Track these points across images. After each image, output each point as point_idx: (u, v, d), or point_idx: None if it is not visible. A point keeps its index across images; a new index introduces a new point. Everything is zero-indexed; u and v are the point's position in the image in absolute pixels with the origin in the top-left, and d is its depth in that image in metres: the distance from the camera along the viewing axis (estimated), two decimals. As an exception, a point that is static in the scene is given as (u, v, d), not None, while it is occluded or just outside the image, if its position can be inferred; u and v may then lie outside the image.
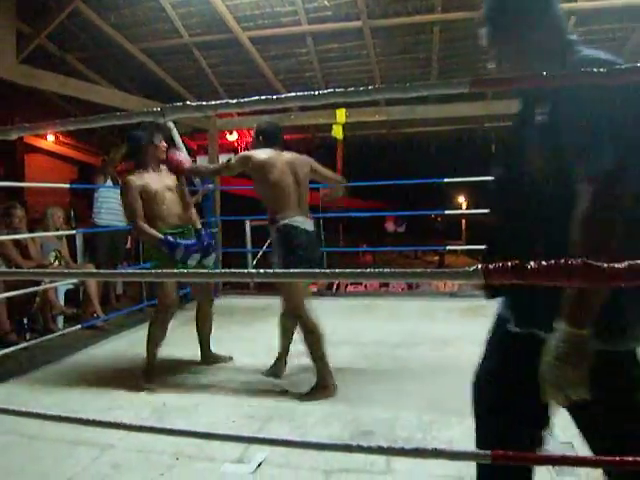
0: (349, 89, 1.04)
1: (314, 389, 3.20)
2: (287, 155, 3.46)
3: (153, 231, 3.55)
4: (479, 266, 0.90)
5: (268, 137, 3.47)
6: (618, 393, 1.23)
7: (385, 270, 0.91)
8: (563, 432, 2.52)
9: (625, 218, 1.11)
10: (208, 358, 3.93)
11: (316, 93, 1.04)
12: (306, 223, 3.34)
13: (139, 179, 3.63)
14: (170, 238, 3.50)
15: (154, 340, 3.63)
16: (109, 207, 5.66)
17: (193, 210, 4.00)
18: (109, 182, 5.71)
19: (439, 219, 30.55)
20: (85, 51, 6.19)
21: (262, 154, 3.37)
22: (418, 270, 0.94)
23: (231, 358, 3.98)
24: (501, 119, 7.36)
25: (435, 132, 8.11)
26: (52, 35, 5.32)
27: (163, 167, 3.77)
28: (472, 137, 8.20)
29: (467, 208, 29.54)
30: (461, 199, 32.06)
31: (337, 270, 1.03)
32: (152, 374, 3.57)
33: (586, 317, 1.11)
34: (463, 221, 31.26)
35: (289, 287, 3.25)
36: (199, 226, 3.91)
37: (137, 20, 5.59)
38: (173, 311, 3.70)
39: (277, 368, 3.59)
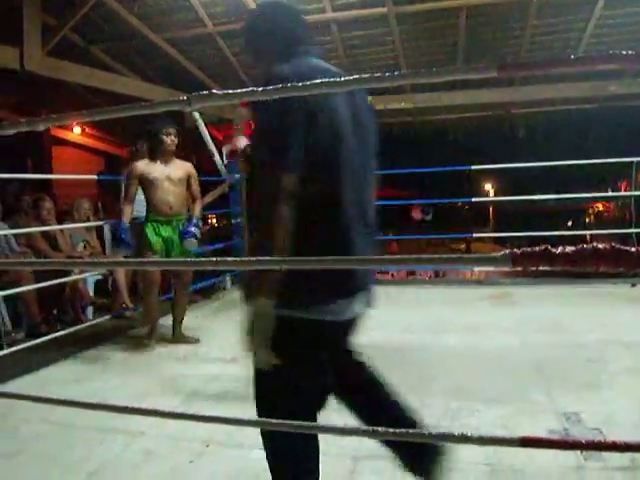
0: (375, 75, 1.04)
1: None
2: None
3: (124, 216, 4.05)
4: (507, 251, 0.90)
5: None
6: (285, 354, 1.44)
7: (412, 256, 0.91)
8: (591, 418, 2.51)
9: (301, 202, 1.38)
10: (177, 337, 4.27)
11: (342, 79, 1.04)
12: None
13: (143, 166, 4.05)
14: (123, 234, 3.94)
15: (150, 312, 4.14)
16: (137, 198, 5.72)
17: (197, 203, 4.31)
18: None
19: (466, 207, 30.30)
20: (110, 42, 6.25)
21: None
22: (445, 256, 0.94)
23: (198, 340, 4.23)
24: (528, 105, 7.25)
25: (462, 119, 8.00)
26: (77, 27, 5.39)
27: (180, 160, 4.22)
28: (499, 123, 8.08)
29: (495, 195, 29.20)
30: (488, 186, 31.66)
31: (364, 257, 1.04)
32: (153, 337, 4.13)
33: (266, 293, 1.36)
34: (490, 208, 30.93)
35: None
36: (197, 214, 4.22)
37: (161, 10, 5.62)
38: (156, 286, 4.12)
39: None
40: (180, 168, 4.15)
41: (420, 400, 2.83)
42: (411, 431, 1.16)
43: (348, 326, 1.65)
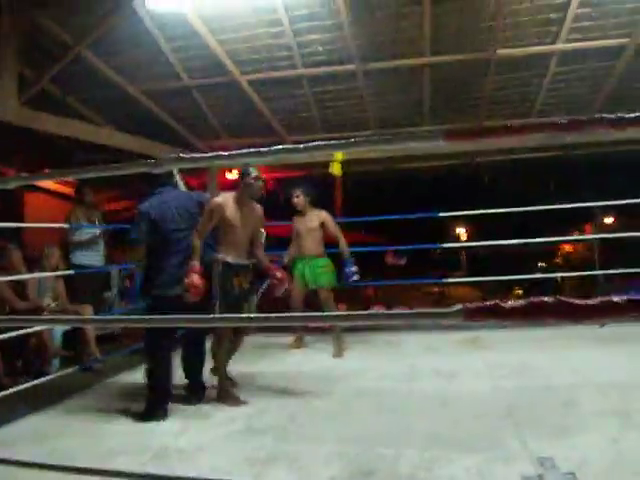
0: (351, 140, 1.11)
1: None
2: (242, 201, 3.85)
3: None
4: (460, 306, 0.95)
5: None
6: None
7: (367, 312, 0.95)
8: (565, 462, 2.53)
9: None
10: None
11: (322, 143, 1.11)
12: (238, 259, 3.79)
13: (295, 220, 5.30)
14: None
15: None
16: (88, 247, 5.67)
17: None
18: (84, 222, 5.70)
19: (438, 251, 30.54)
20: (86, 93, 6.33)
21: (218, 199, 3.76)
22: (404, 312, 0.98)
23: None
24: (491, 154, 7.53)
25: (430, 167, 8.24)
26: (54, 78, 5.45)
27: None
28: (464, 171, 8.34)
29: (467, 238, 29.55)
30: (460, 230, 32.04)
31: (316, 313, 1.08)
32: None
33: None
34: (463, 252, 31.26)
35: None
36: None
37: (138, 63, 5.75)
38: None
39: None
40: (315, 219, 5.19)
41: (396, 450, 2.83)
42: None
43: None
